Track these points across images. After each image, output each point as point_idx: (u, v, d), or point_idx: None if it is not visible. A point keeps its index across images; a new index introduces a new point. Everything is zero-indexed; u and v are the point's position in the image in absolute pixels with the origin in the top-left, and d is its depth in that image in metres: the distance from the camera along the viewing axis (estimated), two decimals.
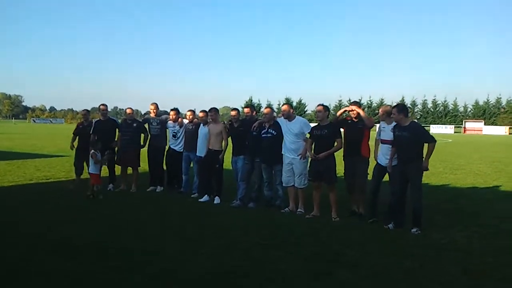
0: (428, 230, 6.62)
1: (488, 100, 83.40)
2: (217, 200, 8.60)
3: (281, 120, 8.09)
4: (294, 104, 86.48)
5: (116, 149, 9.85)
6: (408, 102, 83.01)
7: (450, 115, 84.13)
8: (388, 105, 7.78)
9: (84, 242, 5.83)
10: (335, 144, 7.42)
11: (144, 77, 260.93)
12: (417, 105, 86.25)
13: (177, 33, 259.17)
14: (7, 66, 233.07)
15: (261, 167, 8.28)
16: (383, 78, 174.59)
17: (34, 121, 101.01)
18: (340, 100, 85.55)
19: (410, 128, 6.66)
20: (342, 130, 7.69)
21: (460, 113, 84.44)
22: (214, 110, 8.96)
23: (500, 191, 10.78)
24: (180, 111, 10.11)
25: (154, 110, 10.01)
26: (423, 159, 6.67)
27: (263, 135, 8.13)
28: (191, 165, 9.62)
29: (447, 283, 4.62)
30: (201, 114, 9.16)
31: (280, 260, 5.22)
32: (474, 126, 72.36)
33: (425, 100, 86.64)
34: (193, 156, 9.33)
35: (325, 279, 4.65)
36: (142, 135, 10.06)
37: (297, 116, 8.16)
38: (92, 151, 9.02)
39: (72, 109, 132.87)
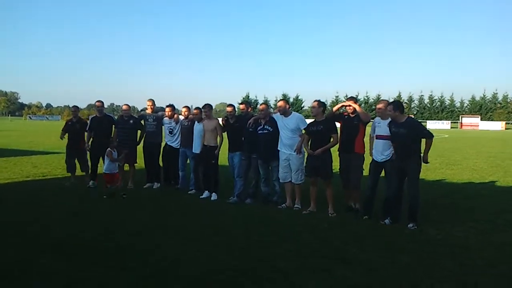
0: (424, 225, 6.64)
1: (484, 96, 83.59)
2: (214, 196, 8.60)
3: (277, 116, 8.08)
4: (291, 100, 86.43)
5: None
6: (405, 97, 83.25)
7: (447, 110, 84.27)
8: (386, 100, 7.76)
9: (81, 240, 5.81)
10: (331, 139, 7.43)
11: (139, 74, 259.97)
12: (413, 101, 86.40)
13: (173, 30, 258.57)
14: (3, 63, 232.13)
15: (257, 163, 8.28)
16: (380, 74, 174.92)
17: (30, 118, 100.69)
18: (337, 96, 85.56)
19: (407, 125, 6.66)
20: (338, 125, 7.70)
21: (457, 108, 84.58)
22: (208, 106, 8.96)
23: (496, 186, 10.81)
24: (176, 107, 10.08)
25: (151, 107, 9.99)
26: (421, 154, 6.69)
27: (259, 132, 8.13)
28: (188, 161, 9.61)
29: (443, 278, 4.63)
30: (195, 111, 9.14)
31: (279, 257, 5.21)
32: (470, 121, 72.53)
33: (422, 95, 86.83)
34: (190, 152, 9.32)
35: (323, 276, 4.65)
36: (138, 131, 10.04)
37: (293, 112, 8.15)
38: (108, 149, 8.82)
39: (68, 106, 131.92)
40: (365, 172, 7.54)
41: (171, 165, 9.74)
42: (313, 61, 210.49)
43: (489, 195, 9.59)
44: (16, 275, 4.61)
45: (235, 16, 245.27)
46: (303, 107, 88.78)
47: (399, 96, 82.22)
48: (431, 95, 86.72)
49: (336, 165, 7.71)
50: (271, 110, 8.82)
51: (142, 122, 10.02)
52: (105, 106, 10.62)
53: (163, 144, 9.95)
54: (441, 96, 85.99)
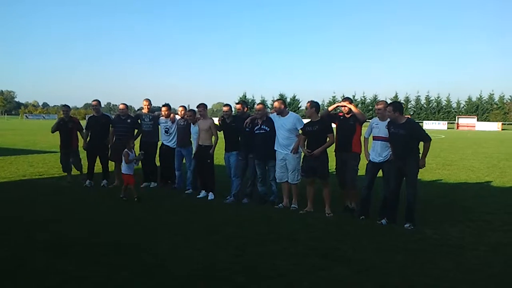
0: (421, 225, 6.66)
1: (481, 96, 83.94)
2: (211, 196, 8.60)
3: (274, 116, 8.09)
4: (288, 100, 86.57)
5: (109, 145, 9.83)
6: (401, 98, 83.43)
7: (443, 111, 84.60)
8: (384, 100, 7.77)
9: (77, 239, 5.81)
10: (327, 139, 7.44)
11: (136, 73, 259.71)
12: (410, 101, 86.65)
13: (170, 29, 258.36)
14: (0, 62, 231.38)
15: (254, 163, 8.28)
16: (377, 74, 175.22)
17: (27, 117, 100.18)
18: (334, 96, 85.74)
19: (407, 126, 6.67)
20: (334, 125, 7.72)
21: (453, 109, 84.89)
22: (202, 105, 8.98)
23: (492, 187, 10.85)
24: (173, 107, 10.09)
25: (148, 106, 9.98)
26: (420, 155, 6.70)
27: (256, 131, 8.13)
28: (184, 160, 9.61)
29: (440, 277, 4.65)
30: (189, 114, 9.14)
31: (275, 256, 5.23)
32: (467, 122, 72.73)
33: (419, 96, 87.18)
34: (185, 152, 9.33)
35: (319, 274, 4.67)
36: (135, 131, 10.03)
37: (290, 112, 8.16)
38: (125, 150, 8.60)
39: (63, 104, 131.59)
40: (361, 172, 7.56)
41: (168, 165, 9.74)
42: (310, 61, 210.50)
43: (485, 195, 9.62)
44: (12, 273, 4.61)
45: (232, 15, 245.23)
46: (300, 107, 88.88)
47: (396, 96, 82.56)
48: (427, 95, 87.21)
49: (332, 164, 7.73)
50: (268, 110, 8.81)
51: (139, 121, 10.01)
52: (102, 105, 10.57)
53: (159, 143, 9.95)
54: (438, 97, 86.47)
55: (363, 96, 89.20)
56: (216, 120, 9.28)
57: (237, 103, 9.07)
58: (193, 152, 9.09)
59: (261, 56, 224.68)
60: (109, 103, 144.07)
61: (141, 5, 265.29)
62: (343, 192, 7.75)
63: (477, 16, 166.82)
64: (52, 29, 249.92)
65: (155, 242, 5.71)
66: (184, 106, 9.69)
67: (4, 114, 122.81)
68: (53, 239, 5.78)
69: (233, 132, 8.60)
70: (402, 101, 79.96)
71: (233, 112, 9.01)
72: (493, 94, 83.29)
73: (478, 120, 73.66)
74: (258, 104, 8.59)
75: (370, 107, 79.26)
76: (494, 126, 67.72)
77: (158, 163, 10.07)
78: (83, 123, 10.59)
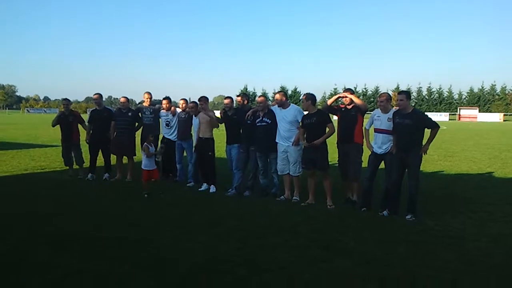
0: (422, 216, 6.66)
1: (482, 87, 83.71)
2: (212, 188, 8.62)
3: (275, 108, 8.07)
4: (289, 92, 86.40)
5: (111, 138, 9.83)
6: (403, 89, 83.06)
7: (445, 102, 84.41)
8: (386, 92, 7.75)
9: (78, 232, 5.82)
10: (327, 129, 7.42)
11: (138, 67, 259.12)
12: (412, 93, 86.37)
13: (171, 23, 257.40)
14: (1, 57, 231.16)
15: (256, 156, 8.28)
16: (379, 66, 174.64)
17: (28, 111, 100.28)
18: (335, 88, 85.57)
19: (413, 115, 6.66)
20: (336, 117, 7.71)
21: (455, 100, 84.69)
22: (203, 98, 8.98)
23: (494, 178, 10.84)
24: (175, 99, 10.08)
25: (149, 99, 9.97)
26: (423, 145, 6.69)
27: (257, 124, 8.12)
28: (184, 153, 9.62)
29: (441, 269, 4.66)
30: (190, 105, 9.13)
31: (277, 248, 5.24)
32: (468, 113, 72.60)
33: (420, 87, 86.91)
34: (186, 144, 9.33)
35: (321, 266, 4.68)
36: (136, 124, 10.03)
37: (291, 104, 8.14)
38: (145, 143, 8.45)
39: (63, 98, 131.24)
40: (364, 164, 7.56)
41: (169, 158, 9.73)
42: (311, 53, 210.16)
43: (486, 186, 9.62)
44: (14, 267, 4.63)
45: (233, 8, 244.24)
46: (301, 99, 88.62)
47: (398, 88, 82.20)
48: (429, 87, 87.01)
49: (334, 156, 7.72)
50: (269, 102, 8.80)
51: (140, 115, 10.00)
52: (103, 99, 10.56)
53: (160, 136, 9.96)
54: (440, 88, 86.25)
55: (365, 88, 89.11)
56: (217, 113, 9.27)
57: (237, 96, 9.06)
58: (194, 144, 9.08)
59: (262, 48, 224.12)
60: (110, 97, 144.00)
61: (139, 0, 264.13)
62: (345, 184, 7.75)
63: (479, 6, 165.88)
64: (52, 23, 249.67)
65: (157, 235, 5.73)
66: (185, 99, 9.69)
67: (5, 109, 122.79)
68: (55, 233, 5.80)
69: (235, 124, 8.59)
70: None
71: (235, 105, 8.99)
72: (495, 85, 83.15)
73: (480, 111, 73.54)
74: (259, 97, 8.58)
75: (372, 99, 79.13)
76: (496, 117, 67.64)
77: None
78: (85, 116, 10.58)
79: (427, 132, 6.72)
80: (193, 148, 9.17)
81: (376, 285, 4.27)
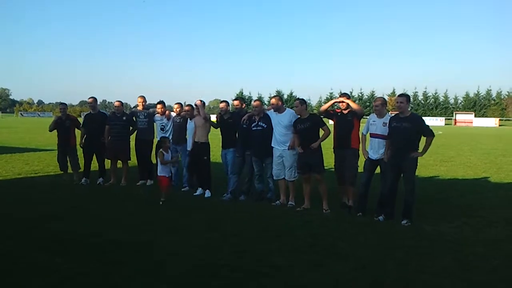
0: (418, 221, 6.64)
1: (478, 92, 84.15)
2: (208, 193, 8.57)
3: (271, 113, 8.05)
4: (285, 96, 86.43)
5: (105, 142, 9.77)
6: (402, 93, 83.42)
7: (441, 107, 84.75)
8: (382, 97, 7.75)
9: (74, 237, 5.77)
10: (322, 133, 7.40)
11: (132, 71, 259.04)
12: None
13: (166, 26, 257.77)
14: None
15: (251, 160, 8.24)
16: (374, 70, 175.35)
17: (22, 115, 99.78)
18: (331, 93, 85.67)
19: (411, 119, 6.64)
20: (332, 122, 7.69)
21: (451, 105, 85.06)
22: (199, 102, 8.92)
23: (490, 183, 10.85)
24: (170, 104, 10.05)
25: (142, 103, 9.92)
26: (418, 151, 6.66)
27: (253, 128, 8.09)
28: (180, 158, 9.57)
29: (438, 273, 4.64)
30: (186, 108, 9.10)
31: (273, 253, 5.21)
32: (464, 118, 72.82)
33: (416, 92, 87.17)
34: (181, 148, 9.29)
35: (317, 271, 4.66)
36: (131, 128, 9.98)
37: (287, 109, 8.12)
38: (160, 150, 8.13)
39: (60, 102, 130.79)
40: (360, 169, 7.53)
41: None
42: (307, 57, 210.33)
43: (482, 191, 9.62)
44: (11, 271, 4.59)
45: (229, 12, 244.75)
46: None
47: (393, 92, 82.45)
48: (425, 91, 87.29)
49: (330, 161, 7.69)
50: (265, 106, 8.78)
51: (134, 119, 9.95)
52: (98, 103, 10.50)
53: (155, 141, 9.91)
54: (435, 93, 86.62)
55: (361, 92, 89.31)
56: (213, 117, 9.23)
57: (234, 99, 9.02)
58: (188, 148, 9.02)
59: (258, 52, 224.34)
60: (104, 101, 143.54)
61: (136, 2, 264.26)
62: (341, 188, 7.72)
63: (475, 11, 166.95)
64: (47, 27, 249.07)
65: (152, 240, 5.68)
66: (180, 103, 9.65)
67: None
68: (51, 237, 5.75)
69: (230, 128, 8.55)
70: None
71: (230, 109, 8.96)
72: (490, 90, 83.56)
73: (475, 116, 73.78)
74: (255, 101, 8.54)
75: (368, 104, 79.36)
76: (492, 122, 67.87)
77: (154, 161, 10.02)
78: (80, 120, 10.50)
79: (422, 140, 6.70)
80: (187, 152, 9.12)
81: None
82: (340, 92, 7.88)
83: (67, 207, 7.54)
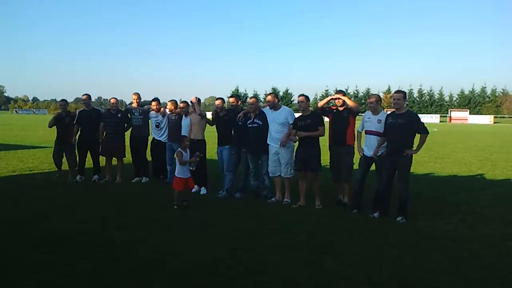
0: (413, 218, 6.66)
1: (473, 90, 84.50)
2: (203, 190, 8.55)
3: (266, 110, 8.04)
4: (281, 94, 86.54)
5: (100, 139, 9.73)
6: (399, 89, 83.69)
7: (436, 104, 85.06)
8: (377, 94, 7.76)
9: (70, 234, 5.74)
10: (318, 130, 7.41)
11: (128, 67, 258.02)
12: None
13: (162, 23, 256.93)
14: None
15: (247, 157, 8.23)
16: (370, 68, 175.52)
17: (17, 112, 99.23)
18: (327, 90, 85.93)
19: (407, 116, 6.66)
20: (327, 119, 7.68)
21: (446, 102, 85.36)
22: (195, 99, 8.90)
23: (485, 180, 10.90)
24: (166, 101, 10.00)
25: (137, 100, 9.88)
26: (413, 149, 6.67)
27: (249, 125, 8.08)
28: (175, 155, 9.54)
29: (432, 270, 4.65)
30: (181, 105, 9.07)
31: (269, 250, 5.21)
32: (459, 115, 73.05)
33: (411, 89, 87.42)
34: (176, 146, 9.25)
35: (313, 268, 4.66)
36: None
37: (282, 106, 8.14)
38: (178, 149, 7.69)
39: (55, 99, 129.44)
40: (355, 166, 7.54)
41: (160, 160, 9.67)
42: (302, 55, 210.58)
43: (477, 188, 9.67)
44: (4, 269, 4.55)
45: (225, 10, 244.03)
46: (293, 101, 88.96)
47: (389, 90, 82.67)
48: (420, 89, 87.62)
49: (326, 158, 7.70)
50: (261, 103, 8.76)
51: (129, 116, 9.91)
52: (93, 99, 10.44)
53: (150, 138, 9.88)
54: (430, 90, 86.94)
55: (356, 90, 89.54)
56: (209, 114, 9.20)
57: (230, 97, 9.01)
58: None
59: (253, 50, 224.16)
60: (99, 97, 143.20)
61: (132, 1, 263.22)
62: (337, 185, 7.73)
63: (470, 8, 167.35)
64: (41, 24, 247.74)
65: (148, 238, 5.66)
66: (174, 101, 9.60)
67: None
68: (46, 235, 5.71)
69: (226, 125, 8.54)
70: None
71: (226, 106, 8.94)
72: (485, 87, 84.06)
73: (470, 113, 74.06)
74: (250, 98, 8.54)
75: (363, 101, 79.49)
76: (486, 119, 68.14)
77: (149, 158, 9.99)
78: None
79: (417, 138, 6.71)
80: None
81: (367, 287, 4.24)
82: (336, 89, 7.87)
83: (62, 205, 7.50)
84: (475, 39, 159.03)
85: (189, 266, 4.66)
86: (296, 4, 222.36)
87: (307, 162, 7.43)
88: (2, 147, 16.87)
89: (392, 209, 6.77)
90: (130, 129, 9.87)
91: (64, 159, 10.07)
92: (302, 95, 7.68)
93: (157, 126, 9.63)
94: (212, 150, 9.68)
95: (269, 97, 8.07)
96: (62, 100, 10.36)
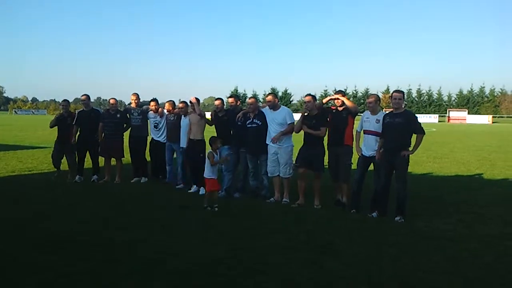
0: (411, 218, 6.68)
1: (472, 89, 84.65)
2: (202, 190, 8.55)
3: (266, 110, 8.06)
4: (280, 94, 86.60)
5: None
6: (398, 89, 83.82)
7: (435, 104, 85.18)
8: (376, 94, 7.79)
9: (69, 234, 5.75)
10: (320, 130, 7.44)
11: (127, 68, 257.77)
12: None
13: (161, 24, 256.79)
14: None
15: (246, 157, 8.24)
16: (369, 68, 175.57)
17: (16, 113, 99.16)
18: (325, 90, 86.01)
19: (405, 115, 6.69)
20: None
21: (444, 102, 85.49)
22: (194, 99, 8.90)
23: (483, 179, 10.92)
24: (164, 101, 9.99)
25: (136, 101, 9.88)
26: (410, 149, 6.69)
27: (248, 125, 8.10)
28: (175, 155, 9.56)
29: (430, 270, 4.67)
30: (180, 105, 9.08)
31: (268, 250, 5.22)
32: (458, 115, 73.11)
33: (410, 89, 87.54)
34: (176, 146, 9.27)
35: (312, 268, 4.67)
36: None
37: (281, 106, 8.15)
38: (209, 151, 7.65)
39: (54, 99, 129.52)
40: (354, 166, 7.56)
41: (159, 160, 9.68)
42: (301, 55, 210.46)
43: (475, 188, 9.68)
44: (5, 268, 4.57)
45: (223, 9, 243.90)
46: (292, 101, 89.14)
47: (388, 89, 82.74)
48: (419, 88, 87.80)
49: (325, 158, 7.71)
50: (260, 104, 8.78)
51: (128, 116, 9.91)
52: (92, 100, 10.43)
53: (149, 138, 9.88)
54: (429, 90, 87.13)
55: (355, 90, 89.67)
56: (208, 115, 9.21)
57: (229, 97, 9.02)
58: (182, 145, 9.00)
59: (252, 50, 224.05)
60: (99, 98, 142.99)
61: (131, 1, 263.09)
62: (335, 185, 7.75)
63: (468, 8, 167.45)
64: (40, 24, 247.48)
65: (147, 238, 5.67)
66: (171, 101, 9.60)
67: None
68: (45, 235, 5.72)
69: (225, 126, 8.55)
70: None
71: (225, 106, 8.95)
72: (484, 87, 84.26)
73: (469, 113, 74.13)
74: (250, 98, 8.55)
75: (362, 101, 79.56)
76: (485, 119, 68.21)
77: (148, 158, 10.00)
78: None
79: (413, 138, 6.73)
80: (181, 149, 9.10)
81: (367, 287, 4.26)
82: (335, 89, 7.90)
83: (62, 205, 7.50)
84: (474, 39, 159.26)
85: (189, 266, 4.67)
86: (295, 5, 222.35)
87: (311, 161, 7.45)
88: (1, 147, 16.86)
89: (391, 209, 6.79)
90: (129, 129, 9.88)
91: (64, 160, 10.07)
92: (309, 94, 7.68)
93: (155, 127, 9.64)
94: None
95: (269, 97, 8.09)
96: (64, 100, 10.34)
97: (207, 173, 7.52)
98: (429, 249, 5.38)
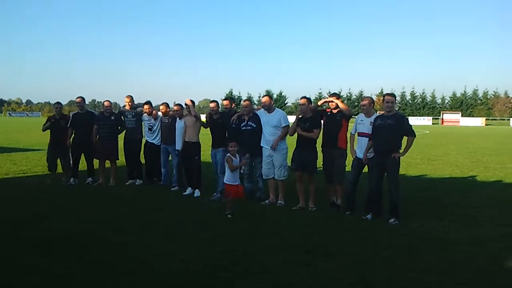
0: (405, 220, 6.71)
1: (465, 92, 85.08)
2: (197, 193, 8.57)
3: (260, 112, 8.08)
4: (275, 96, 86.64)
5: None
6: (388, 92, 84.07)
7: (428, 107, 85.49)
8: (370, 96, 7.84)
9: (63, 237, 5.74)
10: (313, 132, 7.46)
11: (122, 70, 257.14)
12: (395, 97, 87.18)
13: (156, 26, 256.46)
14: None
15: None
16: (363, 70, 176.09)
17: (10, 115, 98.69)
18: (320, 92, 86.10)
19: (395, 117, 6.73)
20: (321, 121, 7.74)
21: (438, 105, 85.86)
22: (189, 102, 8.91)
23: (476, 181, 10.98)
24: (159, 103, 9.99)
25: (130, 103, 9.87)
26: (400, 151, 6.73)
27: (242, 128, 8.11)
28: (170, 157, 9.56)
29: (425, 271, 4.69)
30: (175, 108, 9.08)
31: (262, 252, 5.24)
32: (451, 117, 73.43)
33: (404, 92, 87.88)
34: (171, 149, 9.27)
35: (306, 270, 4.68)
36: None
37: (276, 108, 8.18)
38: (228, 155, 7.28)
39: (49, 102, 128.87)
40: (347, 168, 7.59)
41: (153, 162, 9.67)
42: (296, 57, 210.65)
43: (469, 190, 9.74)
44: None
45: (218, 11, 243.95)
46: (287, 103, 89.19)
47: (381, 92, 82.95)
48: (412, 91, 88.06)
49: (319, 160, 7.75)
50: (255, 106, 8.79)
51: (122, 118, 9.90)
52: (87, 102, 10.41)
53: (143, 140, 9.87)
54: (423, 93, 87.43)
55: (349, 92, 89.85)
56: (203, 117, 9.22)
57: (224, 99, 9.03)
58: (177, 147, 9.00)
59: (247, 53, 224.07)
60: (93, 100, 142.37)
61: (126, 3, 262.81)
62: (329, 187, 7.77)
63: (463, 10, 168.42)
64: (36, 26, 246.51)
65: (142, 240, 5.67)
66: (165, 104, 9.60)
67: None
68: (38, 237, 5.71)
69: (220, 128, 8.56)
70: None
71: (220, 109, 8.97)
72: (477, 89, 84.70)
73: (462, 115, 74.49)
74: (244, 101, 8.57)
75: (356, 103, 79.79)
76: (478, 122, 68.56)
77: (143, 161, 9.99)
78: None
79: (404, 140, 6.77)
80: (176, 152, 9.10)
81: None
82: (329, 92, 7.93)
83: (56, 207, 7.49)
84: (468, 42, 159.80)
85: (181, 268, 4.68)
86: (291, 8, 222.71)
87: (304, 164, 7.48)
88: None
89: (385, 210, 6.82)
90: (124, 131, 9.87)
91: (59, 162, 10.03)
92: (304, 97, 7.71)
93: (150, 129, 9.63)
94: (206, 153, 9.70)
95: (265, 99, 8.13)
96: (57, 102, 10.31)
97: (228, 178, 7.17)
98: (423, 250, 5.41)
